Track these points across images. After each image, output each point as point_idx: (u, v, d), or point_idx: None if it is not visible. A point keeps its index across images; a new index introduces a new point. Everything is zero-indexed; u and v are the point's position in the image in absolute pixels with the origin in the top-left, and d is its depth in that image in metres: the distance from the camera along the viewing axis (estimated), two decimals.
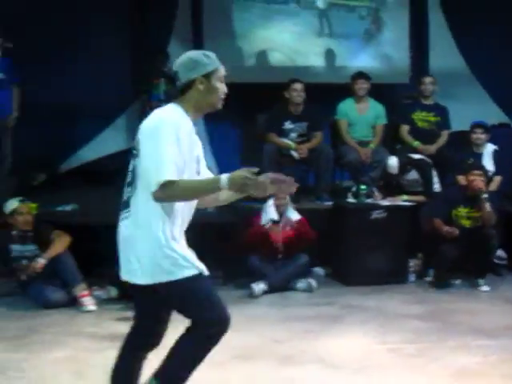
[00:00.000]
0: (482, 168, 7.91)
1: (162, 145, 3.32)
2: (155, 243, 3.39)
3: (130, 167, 3.54)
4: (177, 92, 3.54)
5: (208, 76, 3.53)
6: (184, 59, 3.55)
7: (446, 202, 7.88)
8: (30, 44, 9.41)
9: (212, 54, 3.60)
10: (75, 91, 9.97)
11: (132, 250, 3.44)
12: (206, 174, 3.69)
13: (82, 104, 10.07)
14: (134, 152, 3.51)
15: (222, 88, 3.59)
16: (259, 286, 7.21)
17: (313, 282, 7.34)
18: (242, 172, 3.30)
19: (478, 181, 7.65)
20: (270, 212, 7.67)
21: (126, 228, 3.48)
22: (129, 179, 3.53)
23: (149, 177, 3.35)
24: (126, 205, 3.50)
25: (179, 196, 3.37)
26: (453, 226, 7.68)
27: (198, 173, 3.61)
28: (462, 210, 7.78)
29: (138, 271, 3.44)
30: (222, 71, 3.60)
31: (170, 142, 3.33)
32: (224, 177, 3.31)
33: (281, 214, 7.70)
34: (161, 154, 3.31)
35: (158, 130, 3.36)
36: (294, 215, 7.75)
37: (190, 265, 3.44)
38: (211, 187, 3.42)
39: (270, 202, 7.69)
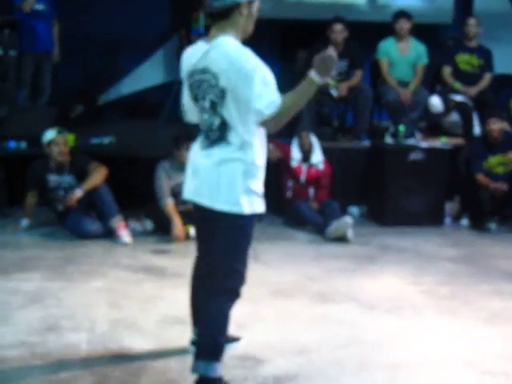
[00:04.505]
0: (497, 115, 7.86)
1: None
2: None
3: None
4: (217, 12, 3.43)
5: (251, 2, 3.47)
6: None
7: (477, 156, 7.81)
8: None
9: None
10: (114, 24, 9.94)
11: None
12: None
13: (120, 37, 10.06)
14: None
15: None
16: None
17: (349, 233, 7.05)
18: (320, 60, 3.33)
19: (495, 129, 7.74)
20: (294, 151, 7.76)
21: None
22: (217, 123, 3.47)
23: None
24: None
25: (288, 115, 3.36)
26: (487, 176, 7.69)
27: None
28: (492, 160, 7.75)
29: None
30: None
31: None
32: (313, 74, 3.32)
33: (307, 152, 7.78)
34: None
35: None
36: (318, 155, 7.78)
37: None
38: (310, 90, 3.36)
39: (295, 142, 7.76)
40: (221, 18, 3.43)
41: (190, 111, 3.74)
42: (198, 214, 3.64)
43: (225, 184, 3.43)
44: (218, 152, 3.46)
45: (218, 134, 3.46)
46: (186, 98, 3.72)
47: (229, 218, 3.45)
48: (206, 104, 3.47)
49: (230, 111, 3.39)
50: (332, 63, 3.37)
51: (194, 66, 3.49)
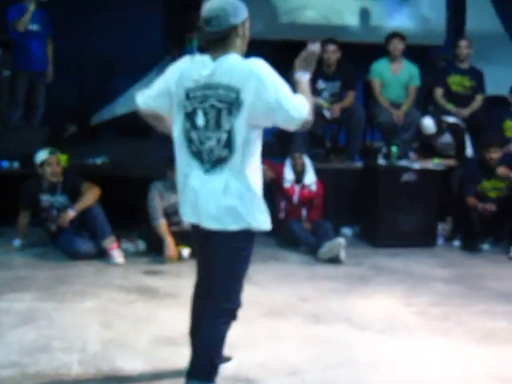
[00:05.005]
0: (497, 144, 7.86)
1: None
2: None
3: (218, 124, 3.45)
4: (214, 37, 3.45)
5: (244, 22, 3.51)
6: (224, 4, 3.44)
7: (471, 179, 7.83)
8: None
9: None
10: (108, 44, 9.98)
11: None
12: None
13: (114, 57, 10.10)
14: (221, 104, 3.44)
15: None
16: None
17: (342, 254, 7.03)
18: (302, 60, 3.56)
19: (494, 158, 7.73)
20: (287, 172, 7.76)
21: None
22: (222, 137, 3.44)
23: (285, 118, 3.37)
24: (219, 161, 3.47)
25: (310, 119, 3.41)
26: (480, 199, 7.69)
27: None
28: (487, 184, 7.77)
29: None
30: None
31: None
32: (298, 75, 3.57)
33: (299, 173, 7.79)
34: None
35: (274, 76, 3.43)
36: (311, 176, 7.79)
37: None
38: (305, 88, 3.53)
39: (287, 162, 7.76)
40: (219, 41, 3.46)
41: (156, 100, 3.69)
42: (200, 236, 3.62)
43: (239, 205, 3.45)
44: (224, 175, 3.45)
45: (222, 152, 3.43)
46: (159, 96, 3.66)
47: (235, 239, 3.47)
48: (210, 117, 3.44)
49: (242, 122, 3.39)
50: (314, 56, 3.56)
51: (197, 82, 3.47)
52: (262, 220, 3.52)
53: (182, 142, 3.56)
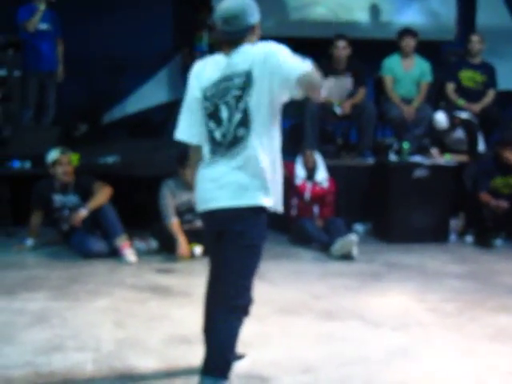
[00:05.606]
0: None
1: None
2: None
3: (236, 106, 3.48)
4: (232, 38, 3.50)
5: (259, 22, 3.55)
6: (241, 4, 3.49)
7: (484, 175, 7.79)
8: None
9: None
10: (118, 43, 9.99)
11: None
12: None
13: (124, 56, 10.10)
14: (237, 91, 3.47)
15: None
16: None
17: (354, 250, 7.02)
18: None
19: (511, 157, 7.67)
20: (298, 169, 7.74)
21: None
22: (238, 119, 3.47)
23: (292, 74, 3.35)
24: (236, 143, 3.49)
25: (317, 81, 3.41)
26: (493, 195, 7.67)
27: None
28: (500, 180, 7.73)
29: None
30: None
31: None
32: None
33: (311, 170, 7.79)
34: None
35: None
36: (323, 173, 7.78)
37: None
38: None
39: (299, 160, 7.75)
40: (235, 41, 3.50)
41: (193, 126, 3.68)
42: (212, 233, 3.63)
43: (259, 182, 3.49)
44: (241, 154, 3.47)
45: (239, 132, 3.46)
46: (192, 115, 3.66)
47: (247, 236, 3.48)
48: (233, 107, 3.47)
49: (256, 99, 3.42)
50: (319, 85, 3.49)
51: (216, 78, 3.51)
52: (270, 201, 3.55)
53: (206, 145, 3.60)
